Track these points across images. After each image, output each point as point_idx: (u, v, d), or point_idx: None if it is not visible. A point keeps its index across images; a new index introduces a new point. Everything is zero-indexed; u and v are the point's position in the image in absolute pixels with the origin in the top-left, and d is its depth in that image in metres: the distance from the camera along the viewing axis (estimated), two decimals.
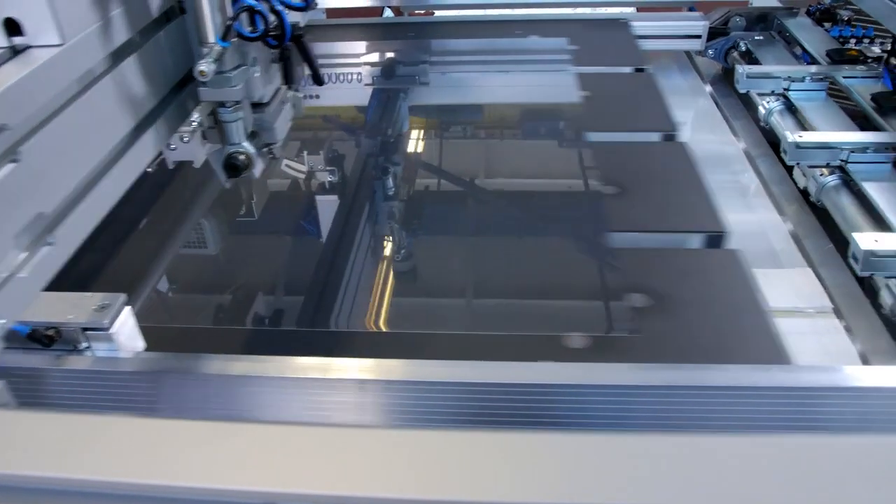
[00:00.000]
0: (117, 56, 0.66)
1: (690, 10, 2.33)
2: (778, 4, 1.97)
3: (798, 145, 1.28)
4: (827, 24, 1.95)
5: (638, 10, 2.33)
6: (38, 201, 0.57)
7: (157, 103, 0.73)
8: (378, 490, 0.43)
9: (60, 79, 0.59)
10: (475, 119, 1.65)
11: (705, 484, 0.42)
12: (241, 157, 0.79)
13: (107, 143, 0.66)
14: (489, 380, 0.76)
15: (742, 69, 1.59)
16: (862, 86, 1.50)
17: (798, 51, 1.81)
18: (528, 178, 1.48)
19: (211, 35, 0.69)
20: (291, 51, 0.82)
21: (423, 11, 2.45)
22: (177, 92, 0.77)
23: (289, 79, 0.85)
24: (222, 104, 0.75)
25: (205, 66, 0.67)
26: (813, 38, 1.77)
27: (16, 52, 0.59)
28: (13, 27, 0.59)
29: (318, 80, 0.87)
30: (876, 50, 1.61)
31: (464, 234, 1.31)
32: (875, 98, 1.40)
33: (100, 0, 0.63)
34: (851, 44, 1.72)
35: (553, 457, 0.44)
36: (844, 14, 1.89)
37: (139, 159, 0.70)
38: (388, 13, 2.31)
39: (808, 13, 1.93)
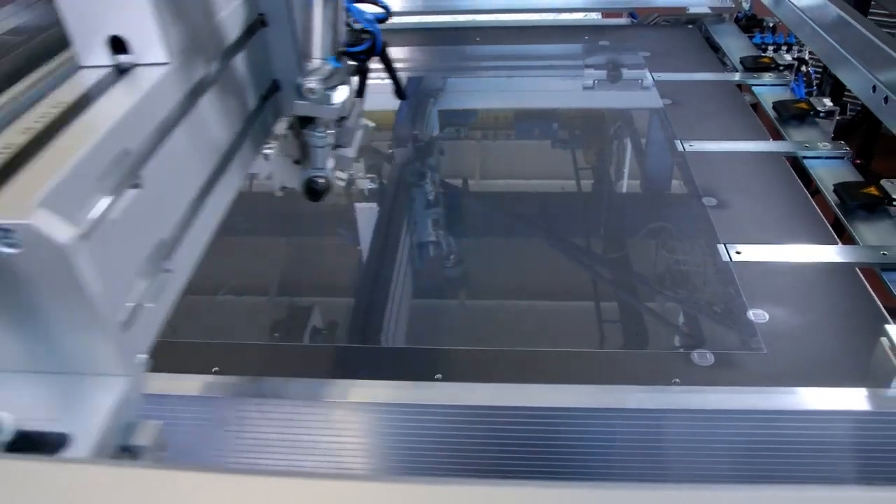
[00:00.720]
0: (214, 72, 0.63)
1: (631, 16, 2.37)
2: (708, 11, 2.01)
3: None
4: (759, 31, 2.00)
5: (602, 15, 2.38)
6: (158, 227, 0.55)
7: (246, 119, 0.70)
8: None
9: (170, 98, 0.57)
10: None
11: None
12: (322, 181, 0.76)
13: (209, 161, 0.63)
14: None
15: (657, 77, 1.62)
16: (770, 94, 1.53)
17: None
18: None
19: (318, 51, 0.67)
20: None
21: None
22: (260, 107, 0.73)
23: (360, 94, 0.82)
24: (312, 125, 0.73)
25: (314, 84, 0.66)
26: (734, 45, 1.80)
27: (121, 70, 0.57)
28: (118, 45, 0.57)
29: (400, 94, 0.84)
30: (788, 58, 1.65)
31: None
32: (776, 106, 1.43)
33: (195, 15, 0.61)
34: (770, 51, 1.76)
35: None
36: (770, 21, 1.93)
37: (235, 176, 0.68)
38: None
39: (736, 20, 1.97)
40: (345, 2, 0.72)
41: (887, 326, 0.68)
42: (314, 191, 0.77)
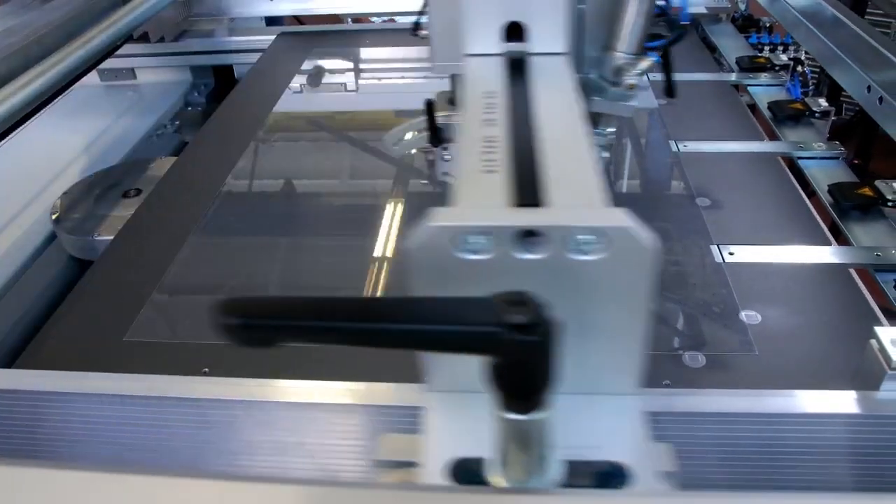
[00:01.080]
0: None
1: None
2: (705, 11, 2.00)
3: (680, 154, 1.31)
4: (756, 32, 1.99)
5: None
6: None
7: None
8: None
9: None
10: None
11: None
12: None
13: None
14: None
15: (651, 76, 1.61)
16: (765, 94, 1.53)
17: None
18: None
19: (626, 45, 0.63)
20: None
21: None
22: None
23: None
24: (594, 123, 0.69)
25: (635, 80, 0.63)
26: (730, 45, 1.80)
27: (514, 59, 0.54)
28: (512, 32, 0.54)
29: (671, 91, 0.79)
30: (783, 58, 1.64)
31: None
32: (770, 106, 1.43)
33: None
34: (766, 51, 1.75)
35: None
36: (767, 21, 1.92)
37: None
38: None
39: (733, 20, 1.96)
40: None
41: (877, 329, 0.67)
42: None
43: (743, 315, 0.93)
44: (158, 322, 1.00)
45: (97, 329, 0.98)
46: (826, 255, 1.04)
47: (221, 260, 1.17)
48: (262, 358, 0.94)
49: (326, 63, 1.92)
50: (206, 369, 0.90)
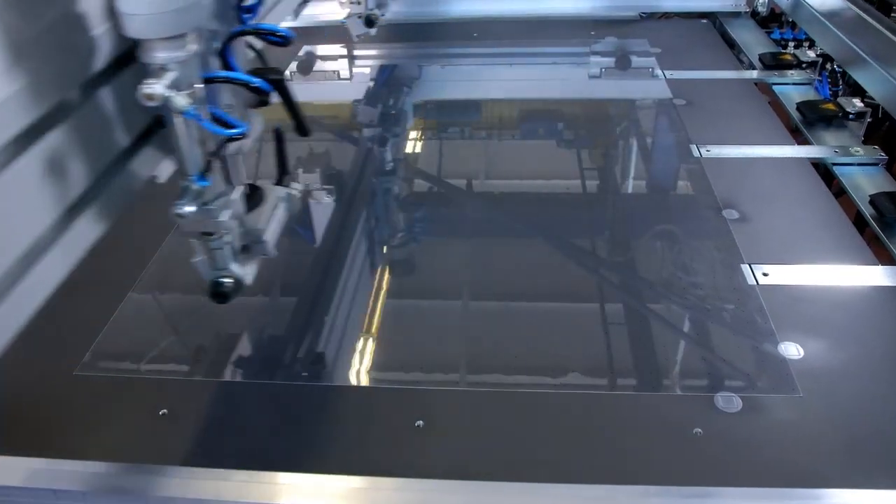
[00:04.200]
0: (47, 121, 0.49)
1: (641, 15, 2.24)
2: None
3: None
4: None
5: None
6: None
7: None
8: None
9: None
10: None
11: None
12: (228, 282, 0.67)
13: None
14: None
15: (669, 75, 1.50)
16: (792, 93, 1.41)
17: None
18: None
19: (192, 169, 0.59)
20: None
21: None
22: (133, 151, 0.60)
23: (283, 168, 0.75)
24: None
25: (185, 209, 0.59)
26: (751, 40, 1.68)
27: None
28: None
29: (302, 130, 0.75)
30: (811, 54, 1.52)
31: None
32: (800, 107, 1.30)
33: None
34: (790, 48, 1.63)
35: None
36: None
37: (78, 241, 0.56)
38: None
39: (753, 14, 1.84)
40: (233, 73, 0.61)
41: None
42: (221, 294, 0.68)
43: (782, 348, 0.81)
44: (116, 352, 0.89)
45: (45, 360, 0.86)
46: (874, 276, 0.92)
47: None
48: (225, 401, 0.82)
49: (317, 60, 1.81)
50: (164, 410, 0.78)
